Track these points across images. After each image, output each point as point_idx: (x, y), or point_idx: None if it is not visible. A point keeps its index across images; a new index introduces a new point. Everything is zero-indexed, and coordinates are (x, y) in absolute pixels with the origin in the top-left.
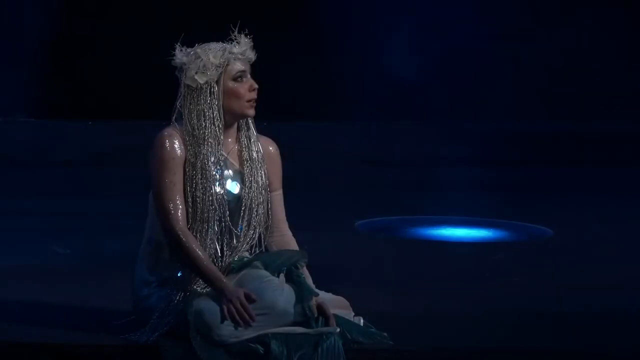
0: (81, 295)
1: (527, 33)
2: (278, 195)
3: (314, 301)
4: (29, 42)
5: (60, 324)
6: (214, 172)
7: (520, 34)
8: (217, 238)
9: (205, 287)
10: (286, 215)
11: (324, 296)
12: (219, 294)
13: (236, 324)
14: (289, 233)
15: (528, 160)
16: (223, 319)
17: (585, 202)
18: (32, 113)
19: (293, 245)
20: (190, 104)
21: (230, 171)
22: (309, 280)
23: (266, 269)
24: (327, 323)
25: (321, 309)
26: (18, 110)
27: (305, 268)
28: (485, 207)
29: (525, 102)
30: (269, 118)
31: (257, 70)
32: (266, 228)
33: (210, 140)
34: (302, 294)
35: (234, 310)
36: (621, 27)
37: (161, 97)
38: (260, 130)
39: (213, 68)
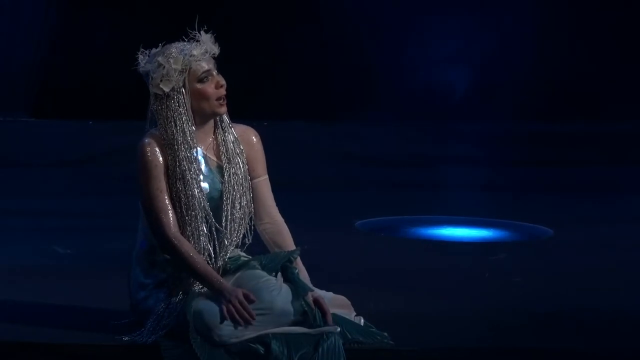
0: (81, 295)
1: (521, 32)
2: (264, 181)
3: (310, 297)
4: (29, 40)
5: (60, 324)
6: (192, 174)
7: (515, 32)
8: (208, 238)
9: (203, 287)
10: (279, 205)
11: (325, 295)
12: (217, 295)
13: (236, 324)
14: (280, 219)
15: (528, 160)
16: (223, 319)
17: (586, 201)
18: (32, 112)
19: (285, 232)
20: (160, 110)
21: (211, 168)
22: (304, 274)
23: (263, 269)
24: (324, 317)
25: (318, 303)
26: (18, 109)
27: (300, 262)
28: (485, 207)
29: (525, 101)
30: (270, 118)
31: (258, 68)
32: (251, 218)
33: (184, 143)
34: (297, 291)
35: (233, 310)
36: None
37: None
38: (260, 131)
39: (176, 74)
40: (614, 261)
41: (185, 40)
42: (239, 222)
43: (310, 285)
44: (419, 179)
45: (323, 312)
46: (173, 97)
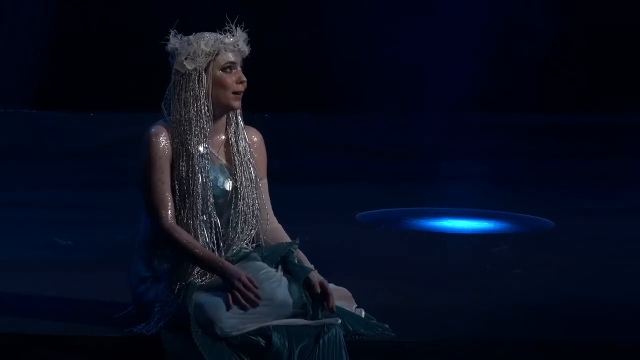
0: (82, 286)
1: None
2: (263, 185)
3: (315, 278)
4: (32, 32)
5: (60, 316)
6: (200, 164)
7: (514, 28)
8: (210, 230)
9: (204, 278)
10: (272, 204)
11: None
12: (220, 277)
13: (242, 308)
14: (277, 223)
15: (529, 151)
16: (228, 307)
17: (587, 193)
18: (34, 104)
19: (282, 234)
20: (179, 89)
21: (218, 166)
22: (304, 262)
23: (263, 260)
24: (326, 300)
25: (322, 286)
26: (20, 101)
27: (300, 252)
28: (487, 199)
29: (525, 93)
30: (271, 110)
31: (260, 62)
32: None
33: (196, 130)
34: (297, 274)
35: (238, 295)
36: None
37: (163, 88)
38: (261, 123)
39: (203, 55)
40: (614, 253)
41: (219, 32)
42: (252, 226)
43: (311, 266)
44: (420, 171)
45: (326, 295)
46: (194, 78)
